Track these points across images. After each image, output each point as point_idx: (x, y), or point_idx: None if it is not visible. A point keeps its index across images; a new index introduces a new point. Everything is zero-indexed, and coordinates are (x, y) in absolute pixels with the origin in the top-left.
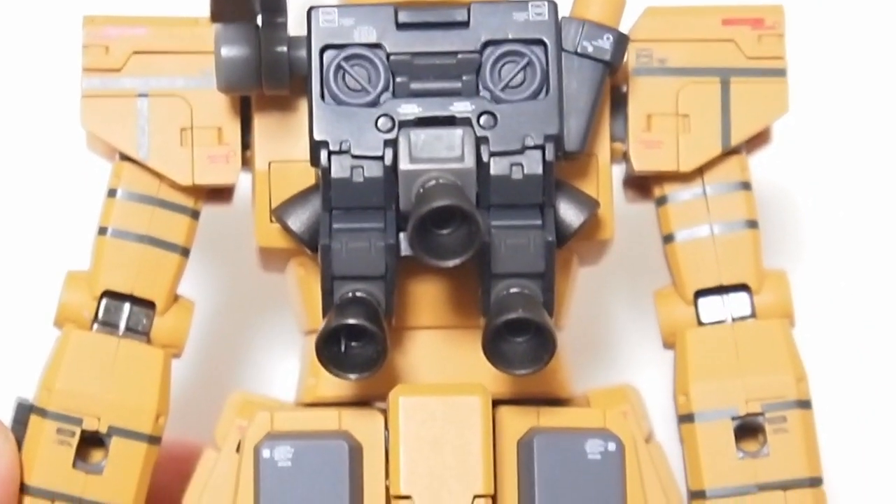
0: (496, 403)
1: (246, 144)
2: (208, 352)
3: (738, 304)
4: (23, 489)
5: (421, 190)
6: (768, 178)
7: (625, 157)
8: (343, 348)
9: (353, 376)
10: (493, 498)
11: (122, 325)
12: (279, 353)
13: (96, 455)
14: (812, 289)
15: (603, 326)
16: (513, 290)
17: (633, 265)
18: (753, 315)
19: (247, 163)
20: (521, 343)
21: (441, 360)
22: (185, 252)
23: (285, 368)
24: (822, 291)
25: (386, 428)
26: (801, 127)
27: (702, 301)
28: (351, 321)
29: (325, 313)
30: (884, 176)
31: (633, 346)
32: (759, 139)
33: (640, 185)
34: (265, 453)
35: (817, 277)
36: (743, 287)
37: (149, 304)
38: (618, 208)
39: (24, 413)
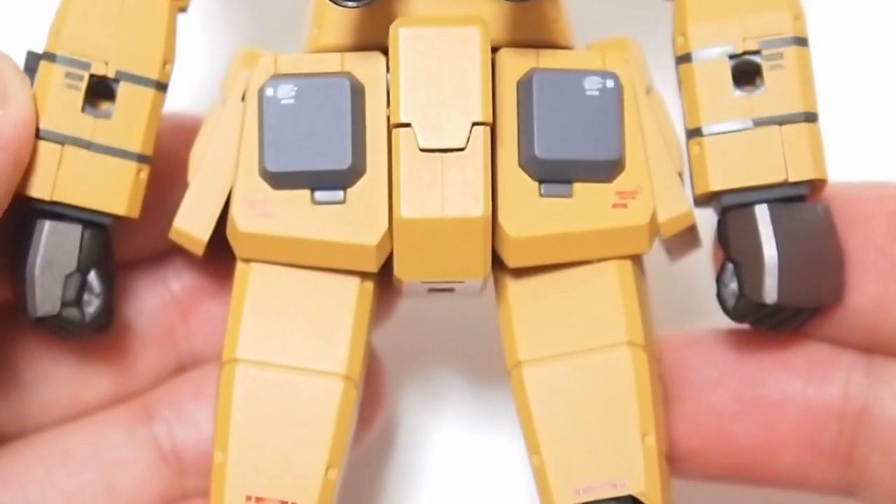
0: (497, 50)
1: None
2: (216, 20)
3: None
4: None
5: None
6: None
7: None
8: None
9: (351, 4)
10: (492, 130)
11: None
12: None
13: (105, 105)
14: None
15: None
16: None
17: None
18: None
19: None
20: None
21: (443, 9)
22: None
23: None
24: None
25: (388, 69)
26: None
27: None
28: None
29: None
30: None
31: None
32: None
33: None
34: (269, 92)
35: None
36: None
37: None
38: None
39: (34, 60)
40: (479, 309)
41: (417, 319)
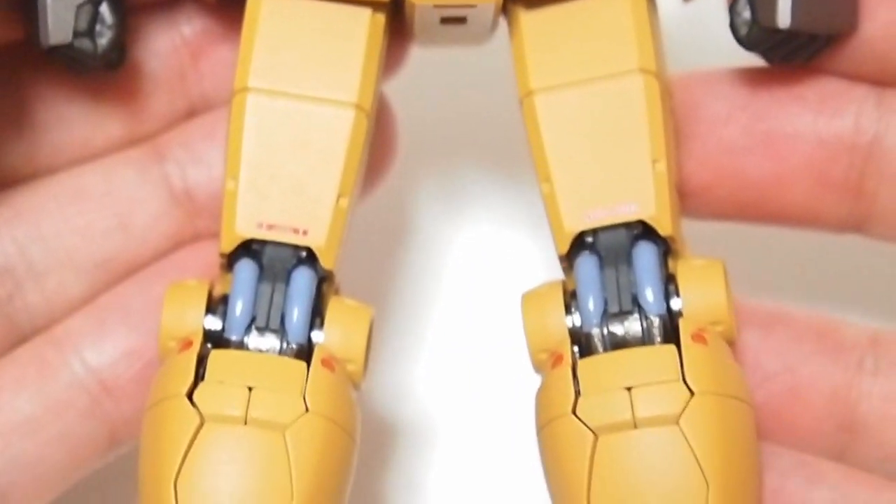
0: None
1: None
2: None
3: None
4: None
5: None
6: None
7: None
8: None
9: None
10: None
11: None
12: None
13: None
14: None
15: None
16: None
17: None
18: None
19: None
20: None
21: None
22: None
23: None
24: None
25: None
26: None
27: None
28: None
29: None
30: None
31: None
32: None
33: None
34: None
35: None
36: None
37: None
38: None
39: None
40: (500, 101)
41: (438, 111)
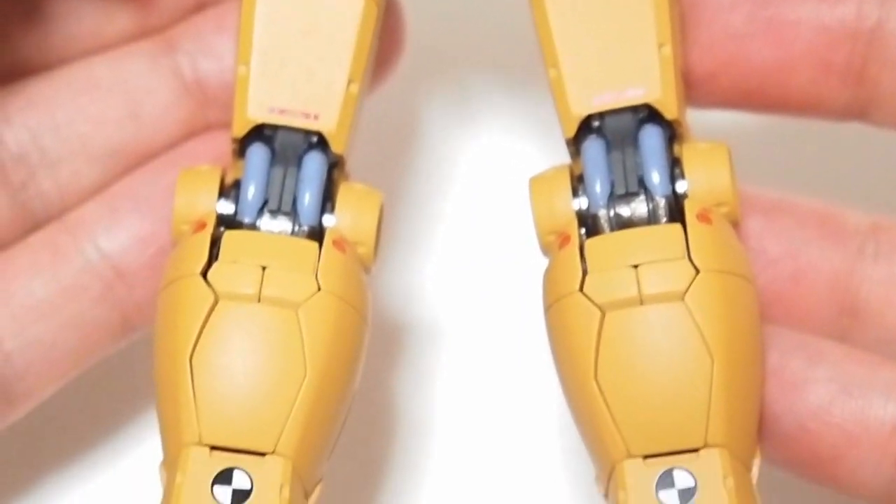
0: None
1: None
2: None
3: None
4: None
5: None
6: None
7: None
8: None
9: None
10: None
11: None
12: None
13: None
14: None
15: None
16: None
17: None
18: None
19: None
20: None
21: None
22: None
23: None
24: None
25: None
26: None
27: None
28: None
29: None
30: None
31: None
32: None
33: None
34: None
35: None
36: None
37: None
38: None
39: None
40: (514, 7)
41: (449, 23)
